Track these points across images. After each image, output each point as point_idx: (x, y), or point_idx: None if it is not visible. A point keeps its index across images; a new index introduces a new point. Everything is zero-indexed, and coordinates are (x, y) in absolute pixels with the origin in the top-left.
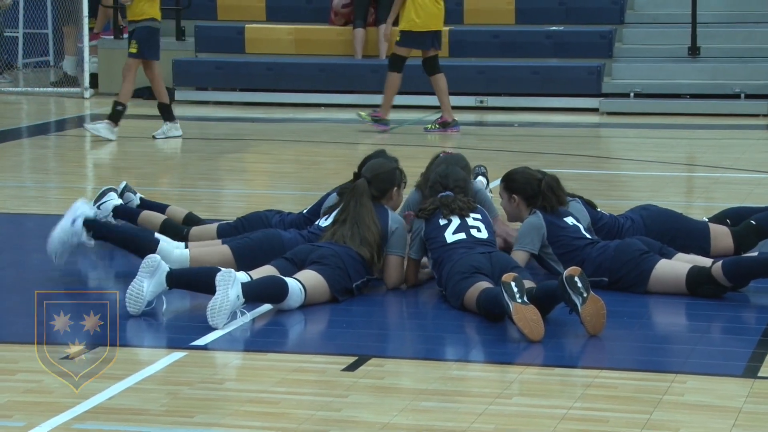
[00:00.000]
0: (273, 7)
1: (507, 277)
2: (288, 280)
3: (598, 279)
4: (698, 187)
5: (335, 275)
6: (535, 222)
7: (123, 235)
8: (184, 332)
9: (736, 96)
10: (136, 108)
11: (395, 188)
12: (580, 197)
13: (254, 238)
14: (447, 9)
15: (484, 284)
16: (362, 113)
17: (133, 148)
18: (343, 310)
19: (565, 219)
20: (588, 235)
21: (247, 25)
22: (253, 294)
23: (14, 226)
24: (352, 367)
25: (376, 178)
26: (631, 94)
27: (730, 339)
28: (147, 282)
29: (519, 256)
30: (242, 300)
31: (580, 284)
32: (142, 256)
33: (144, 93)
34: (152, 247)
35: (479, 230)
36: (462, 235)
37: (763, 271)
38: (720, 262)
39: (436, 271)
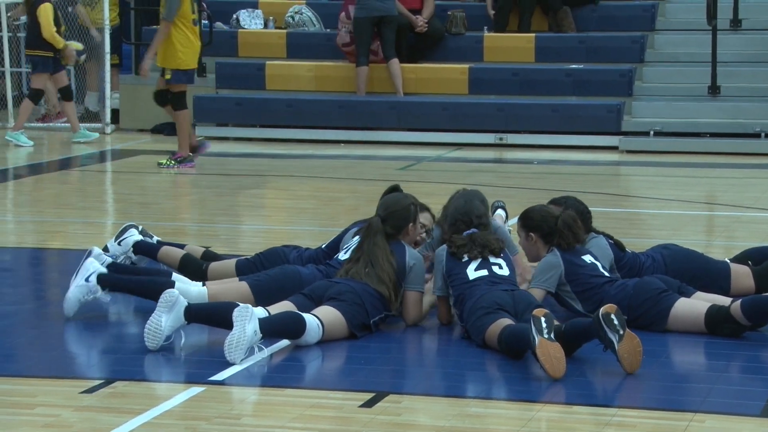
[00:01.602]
0: (293, 44)
1: (539, 311)
2: (305, 315)
3: None
4: (718, 226)
5: (353, 311)
6: (553, 261)
7: (139, 284)
8: (201, 367)
9: (757, 135)
10: (155, 144)
11: (411, 224)
12: (610, 236)
13: (272, 275)
14: (467, 47)
15: (507, 321)
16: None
17: (152, 184)
18: (360, 346)
19: (582, 257)
20: (606, 273)
21: (267, 62)
22: (270, 329)
23: (34, 260)
24: (369, 404)
25: (392, 216)
26: (651, 133)
27: (748, 378)
28: (165, 317)
29: (536, 294)
30: (260, 335)
31: (616, 321)
32: None
33: (165, 128)
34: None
35: (501, 267)
36: (484, 272)
37: None
38: (739, 301)
39: (457, 308)
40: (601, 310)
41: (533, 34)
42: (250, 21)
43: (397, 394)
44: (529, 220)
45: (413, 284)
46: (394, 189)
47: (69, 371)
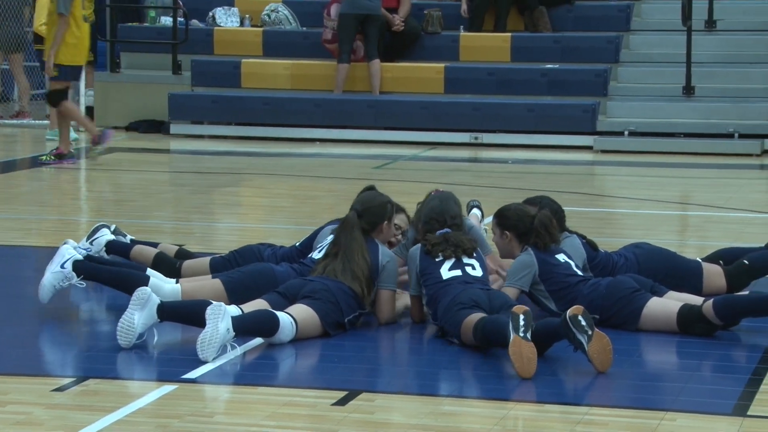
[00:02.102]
0: (269, 42)
1: (518, 308)
2: (279, 314)
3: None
4: (692, 226)
5: (327, 309)
6: (527, 260)
7: (113, 275)
8: (174, 365)
9: (730, 135)
10: (131, 141)
11: (386, 222)
12: (583, 236)
13: (246, 272)
14: (443, 46)
15: (482, 315)
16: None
17: (126, 182)
18: (334, 345)
19: (556, 256)
20: (579, 272)
21: (243, 60)
22: (243, 327)
23: (8, 258)
24: (342, 402)
25: (367, 212)
26: (626, 133)
27: (720, 377)
28: (138, 314)
29: (510, 293)
30: (232, 333)
31: (584, 323)
32: None
33: (140, 126)
34: (143, 284)
35: (474, 268)
36: (458, 272)
37: (754, 309)
38: (711, 301)
39: (430, 307)
40: (568, 312)
41: (509, 34)
42: (226, 19)
43: (370, 392)
44: (504, 219)
45: (386, 282)
46: (370, 189)
47: (40, 369)
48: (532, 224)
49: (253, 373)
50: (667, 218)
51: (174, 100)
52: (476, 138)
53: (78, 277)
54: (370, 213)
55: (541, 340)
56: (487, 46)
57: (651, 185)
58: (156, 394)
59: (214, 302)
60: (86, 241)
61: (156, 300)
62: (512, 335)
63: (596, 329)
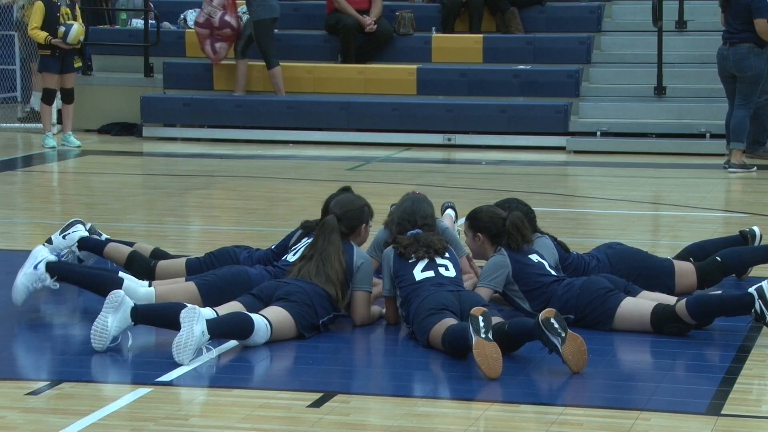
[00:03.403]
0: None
1: (476, 310)
2: (254, 316)
3: (564, 316)
4: (664, 226)
5: (302, 312)
6: (500, 261)
7: (87, 276)
8: (149, 368)
9: (702, 135)
10: (103, 144)
11: (364, 225)
12: (553, 237)
13: (220, 275)
14: (416, 48)
15: (451, 321)
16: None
17: (99, 184)
18: (309, 347)
19: (530, 256)
20: (553, 272)
21: None
22: (218, 330)
23: None
24: (317, 404)
25: (346, 215)
26: (598, 133)
27: (694, 377)
28: (112, 317)
29: (483, 293)
30: (207, 336)
31: (557, 325)
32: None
33: (112, 129)
34: (117, 286)
35: (447, 269)
36: (430, 273)
37: (727, 308)
38: (684, 300)
39: (404, 309)
40: (541, 315)
41: (481, 35)
42: None
43: (345, 394)
44: (476, 221)
45: (361, 284)
46: (345, 190)
47: (14, 373)
48: (503, 226)
49: (228, 376)
50: (639, 218)
51: (146, 103)
52: (449, 139)
53: (51, 278)
54: (349, 217)
55: (516, 339)
56: (459, 48)
57: (623, 185)
58: (131, 397)
59: (188, 305)
60: (59, 234)
61: (130, 303)
62: (474, 338)
63: (570, 331)
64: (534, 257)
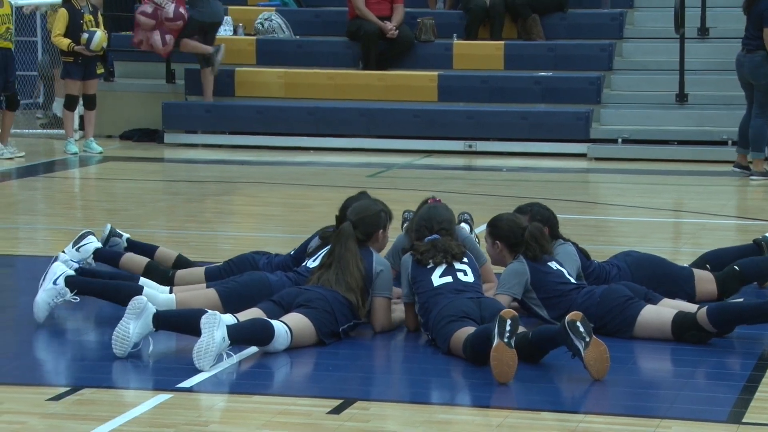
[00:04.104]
0: (263, 51)
1: (506, 312)
2: (274, 322)
3: None
4: (685, 233)
5: (322, 318)
6: (519, 268)
7: (107, 287)
8: (169, 374)
9: (723, 143)
10: (124, 150)
11: (381, 230)
12: (575, 244)
13: (241, 281)
14: (437, 54)
15: (471, 329)
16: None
17: (120, 190)
18: (329, 353)
19: (549, 264)
20: (573, 280)
21: (237, 69)
22: (239, 336)
23: (2, 267)
24: (337, 410)
25: (362, 222)
26: (619, 140)
27: (714, 385)
28: (133, 324)
29: (502, 300)
30: (228, 342)
31: (582, 329)
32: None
33: (134, 135)
34: (137, 294)
35: (466, 274)
36: (449, 279)
37: (748, 317)
38: (705, 308)
39: (422, 316)
40: (567, 318)
41: (502, 42)
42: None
43: (365, 400)
44: (496, 229)
45: (381, 290)
46: (362, 195)
47: (35, 378)
48: (523, 236)
49: (248, 382)
50: (660, 225)
51: (168, 109)
52: (470, 146)
53: (71, 292)
54: (365, 223)
55: (538, 347)
56: (480, 55)
57: (644, 192)
58: (151, 403)
59: (209, 311)
60: (72, 247)
61: (152, 309)
62: (496, 340)
63: (594, 337)
64: (553, 265)
